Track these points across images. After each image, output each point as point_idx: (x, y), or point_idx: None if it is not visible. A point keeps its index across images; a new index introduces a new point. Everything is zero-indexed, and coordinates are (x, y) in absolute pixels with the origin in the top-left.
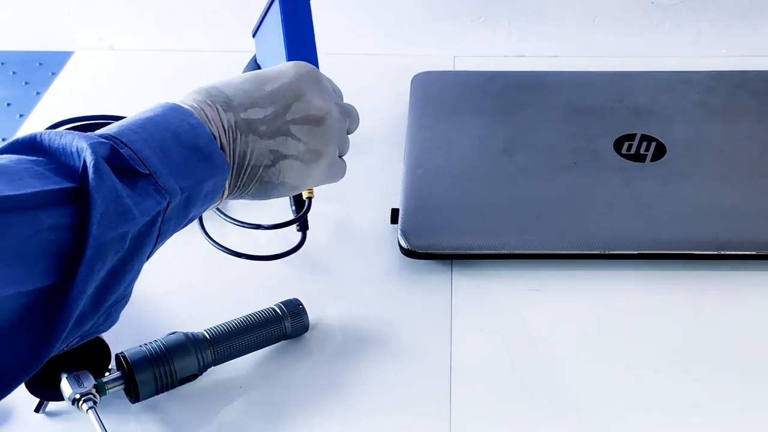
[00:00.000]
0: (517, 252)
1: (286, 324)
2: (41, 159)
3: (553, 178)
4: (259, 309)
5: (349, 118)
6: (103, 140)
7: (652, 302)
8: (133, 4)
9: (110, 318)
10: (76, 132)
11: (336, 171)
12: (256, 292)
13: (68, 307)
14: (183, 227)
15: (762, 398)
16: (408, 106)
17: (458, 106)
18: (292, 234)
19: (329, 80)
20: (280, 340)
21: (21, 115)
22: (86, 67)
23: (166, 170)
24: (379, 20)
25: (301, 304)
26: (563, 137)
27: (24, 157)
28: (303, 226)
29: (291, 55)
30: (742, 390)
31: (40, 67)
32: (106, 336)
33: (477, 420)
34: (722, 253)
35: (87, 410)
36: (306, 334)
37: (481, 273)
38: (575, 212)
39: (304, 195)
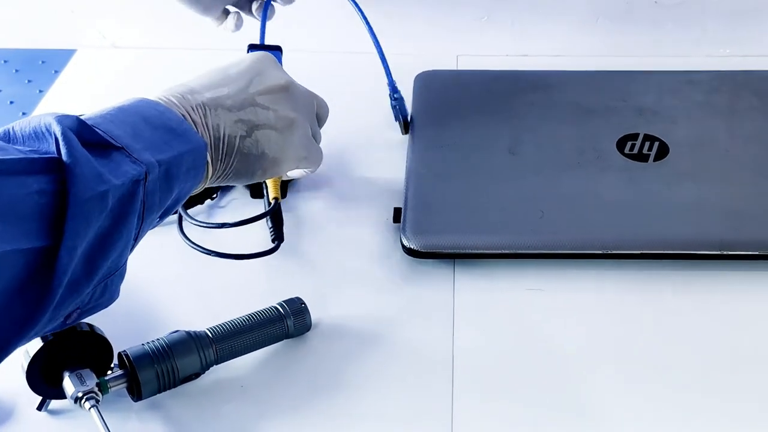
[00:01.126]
0: (520, 251)
1: (288, 323)
2: (17, 146)
3: (556, 178)
4: (262, 308)
5: (316, 100)
6: (68, 115)
7: (655, 302)
8: (136, 2)
9: (108, 291)
10: (43, 114)
11: (312, 152)
12: (258, 291)
13: (59, 267)
14: (174, 206)
15: (766, 398)
16: (411, 105)
17: (461, 106)
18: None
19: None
20: (282, 339)
21: (24, 113)
22: (89, 65)
23: (138, 146)
24: (382, 19)
25: (304, 303)
26: (566, 137)
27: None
28: (278, 238)
29: None
30: (745, 390)
31: (43, 65)
32: (109, 334)
33: (479, 418)
34: (725, 253)
35: (89, 408)
36: (308, 333)
37: (483, 272)
38: (578, 212)
39: (271, 196)
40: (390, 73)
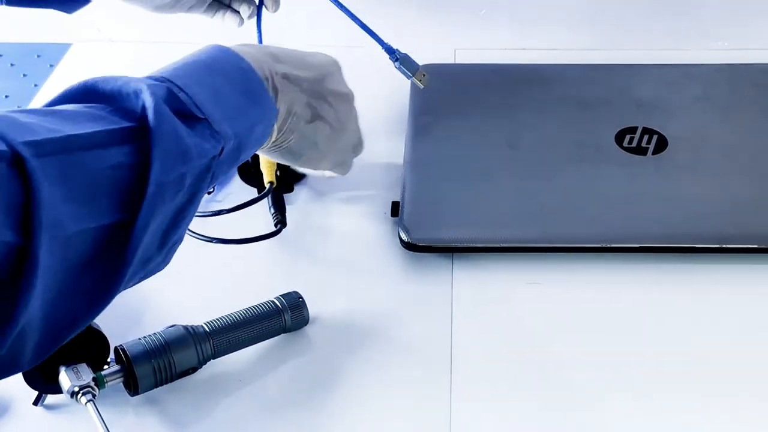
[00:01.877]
0: (518, 245)
1: (285, 317)
2: (96, 105)
3: (555, 171)
4: (259, 302)
5: (360, 134)
6: (159, 83)
7: (654, 296)
8: None
9: (166, 259)
10: (130, 76)
11: (348, 161)
12: (255, 285)
13: (132, 244)
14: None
15: (766, 392)
16: (409, 98)
17: (459, 99)
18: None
19: None
20: (279, 334)
21: (19, 107)
22: (85, 59)
23: (219, 114)
24: (379, 13)
25: (301, 297)
26: (565, 130)
27: (78, 104)
28: (281, 222)
29: None
30: (746, 384)
31: (39, 59)
32: (105, 329)
33: (477, 412)
34: (724, 246)
35: (86, 403)
36: (306, 328)
37: (481, 266)
38: (576, 205)
39: (265, 180)
40: (380, 38)
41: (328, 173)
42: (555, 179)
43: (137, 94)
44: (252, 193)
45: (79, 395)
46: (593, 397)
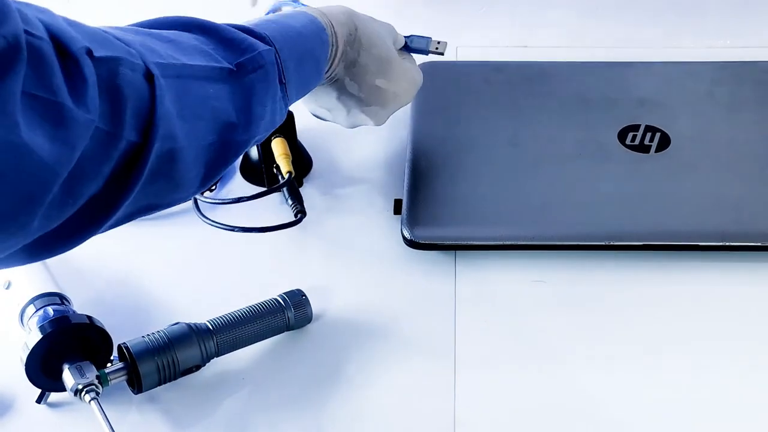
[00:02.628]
0: (521, 243)
1: (289, 315)
2: (207, 39)
3: (557, 169)
4: (262, 300)
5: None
6: (269, 47)
7: (656, 293)
8: None
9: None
10: (244, 32)
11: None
12: (258, 283)
13: (237, 149)
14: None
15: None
16: None
17: (461, 97)
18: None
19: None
20: (283, 331)
21: None
22: None
23: (294, 83)
24: (380, 10)
25: (305, 295)
26: (567, 128)
27: (191, 34)
28: (301, 212)
29: None
30: (747, 381)
31: None
32: (108, 326)
33: (481, 409)
34: (727, 244)
35: (89, 401)
36: (309, 325)
37: (484, 264)
38: (579, 203)
39: (284, 170)
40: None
41: (363, 118)
42: (558, 177)
43: (252, 47)
44: (252, 189)
45: (83, 393)
46: (597, 394)
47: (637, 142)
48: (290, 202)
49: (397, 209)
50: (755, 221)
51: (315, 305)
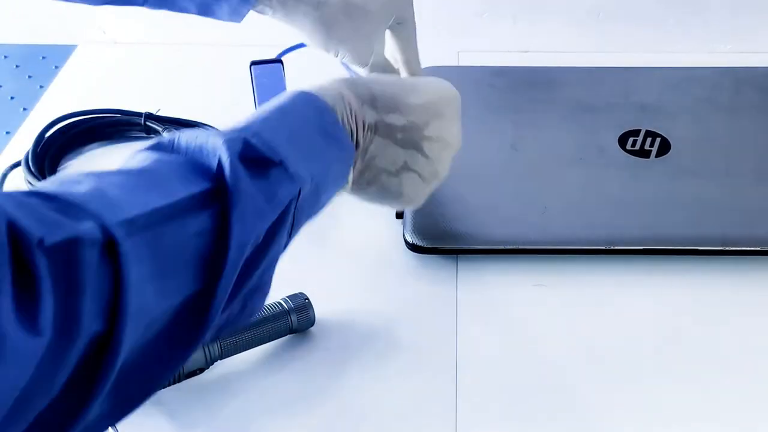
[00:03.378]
0: (523, 247)
1: (292, 318)
2: (180, 157)
3: (558, 174)
4: (266, 303)
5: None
6: (235, 135)
7: (657, 297)
8: None
9: (247, 308)
10: (210, 130)
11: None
12: None
13: (213, 311)
14: (315, 216)
15: (767, 395)
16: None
17: (463, 102)
18: None
19: None
20: (286, 334)
21: (24, 109)
22: (90, 61)
23: (295, 155)
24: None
25: (307, 299)
26: (568, 133)
27: (164, 154)
28: None
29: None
30: (748, 386)
31: (44, 61)
32: None
33: (483, 414)
34: (727, 248)
35: None
36: (312, 329)
37: (486, 268)
38: (580, 208)
39: None
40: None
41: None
42: (558, 181)
43: (214, 151)
44: None
45: None
46: (598, 399)
47: (637, 147)
48: None
49: (400, 213)
50: (755, 226)
51: (318, 309)
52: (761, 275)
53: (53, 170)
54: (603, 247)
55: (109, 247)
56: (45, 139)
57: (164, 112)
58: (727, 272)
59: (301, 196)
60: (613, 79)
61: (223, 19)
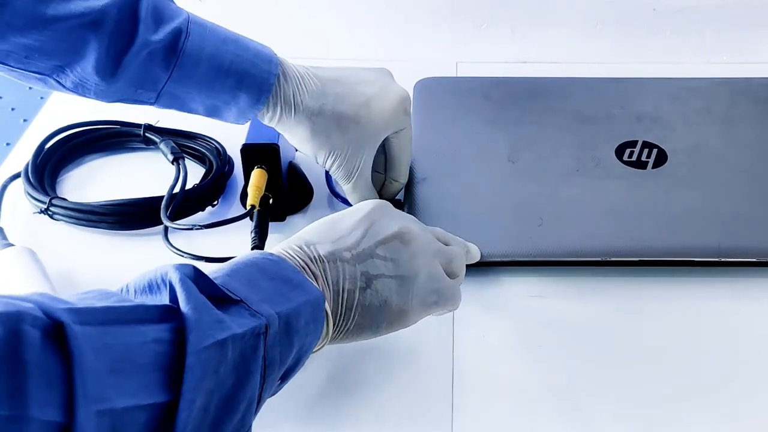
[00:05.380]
0: (519, 259)
1: None
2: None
3: (555, 185)
4: None
5: (449, 252)
6: (189, 272)
7: (654, 309)
8: None
9: None
10: (159, 266)
11: (443, 294)
12: None
13: (178, 423)
14: (295, 366)
15: (764, 406)
16: (412, 111)
17: (461, 112)
18: None
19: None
20: None
21: (25, 120)
22: None
23: (256, 297)
24: (382, 26)
25: None
26: (565, 144)
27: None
28: (257, 248)
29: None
30: (744, 398)
31: None
32: None
33: (479, 424)
34: (724, 260)
35: None
36: None
37: (483, 279)
38: (577, 219)
39: (248, 203)
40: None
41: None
42: (556, 193)
43: (163, 277)
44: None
45: None
46: (597, 410)
47: (634, 158)
48: (252, 235)
49: None
50: (752, 237)
51: None
52: (758, 286)
53: (53, 181)
54: (600, 259)
55: (57, 331)
56: (45, 150)
57: (163, 124)
58: (724, 283)
59: (269, 332)
60: (611, 90)
61: (229, 122)
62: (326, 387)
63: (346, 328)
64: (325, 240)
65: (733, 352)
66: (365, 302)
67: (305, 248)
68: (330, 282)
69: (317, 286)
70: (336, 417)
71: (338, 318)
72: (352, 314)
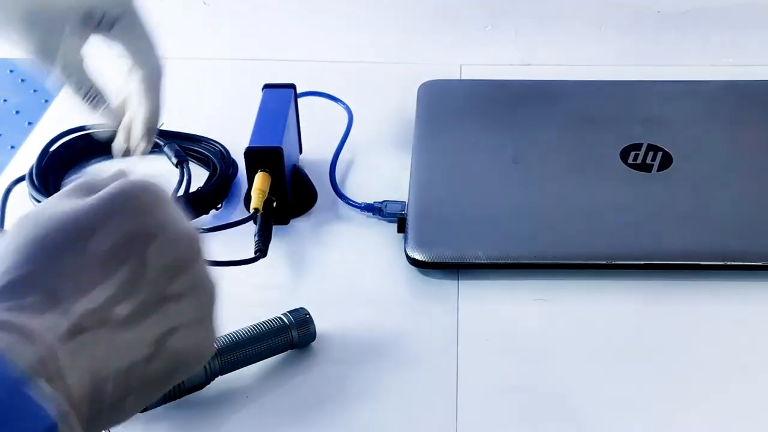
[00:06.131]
0: (524, 261)
1: (293, 333)
2: None
3: (560, 188)
4: (267, 318)
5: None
6: None
7: (658, 313)
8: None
9: None
10: None
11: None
12: (262, 301)
13: None
14: None
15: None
16: (415, 114)
17: (465, 115)
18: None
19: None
20: (287, 350)
21: (29, 123)
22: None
23: None
24: (386, 29)
25: (308, 314)
26: (569, 146)
27: None
28: (260, 251)
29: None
30: (749, 402)
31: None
32: None
33: (484, 428)
34: (728, 263)
35: None
36: (313, 344)
37: (487, 282)
38: (581, 222)
39: (252, 206)
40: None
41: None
42: (560, 196)
43: None
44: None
45: None
46: (600, 414)
47: (639, 161)
48: (255, 238)
49: (401, 228)
50: (757, 241)
51: (319, 323)
52: (763, 290)
53: (57, 185)
54: (604, 262)
55: None
56: (49, 153)
57: (168, 127)
58: (729, 287)
59: None
60: (615, 93)
61: None
62: (330, 391)
63: (115, 420)
64: (76, 282)
65: (738, 356)
66: (150, 377)
67: (46, 321)
68: (82, 377)
69: (52, 398)
70: (339, 423)
71: (98, 418)
72: (123, 405)
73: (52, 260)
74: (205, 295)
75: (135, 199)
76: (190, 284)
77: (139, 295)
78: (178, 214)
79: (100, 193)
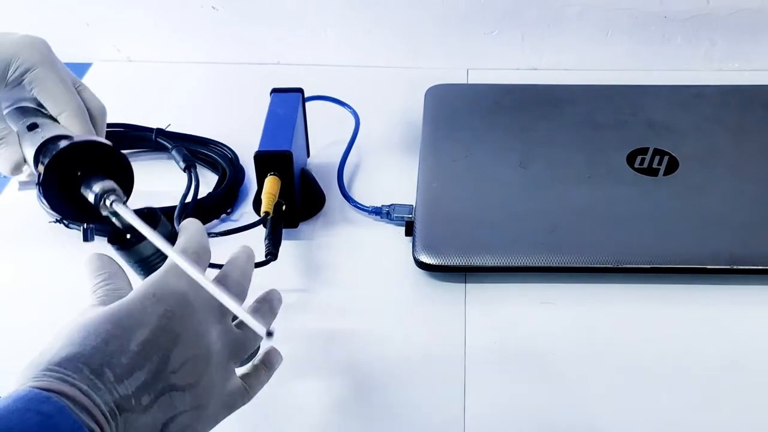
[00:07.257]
0: (531, 265)
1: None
2: None
3: (567, 192)
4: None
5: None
6: None
7: (665, 316)
8: (151, 16)
9: None
10: None
11: (230, 401)
12: None
13: None
14: None
15: None
16: (422, 118)
17: (472, 119)
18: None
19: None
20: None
21: None
22: (104, 79)
23: None
24: (393, 33)
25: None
26: (576, 151)
27: None
28: (271, 254)
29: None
30: (755, 405)
31: None
32: None
33: (491, 429)
34: (735, 267)
35: (111, 203)
36: (320, 344)
37: (495, 286)
38: (588, 226)
39: (262, 210)
40: None
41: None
42: (567, 200)
43: None
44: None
45: (106, 200)
46: (608, 416)
47: (645, 165)
48: (266, 242)
49: (409, 231)
50: (763, 245)
51: (327, 325)
52: None
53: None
54: (611, 266)
55: None
56: None
57: (176, 129)
58: (736, 291)
59: None
60: (622, 98)
61: None
62: (336, 393)
63: None
64: (117, 369)
65: (746, 359)
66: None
67: (94, 395)
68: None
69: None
70: (349, 424)
71: None
72: None
73: (108, 350)
74: (202, 385)
75: (175, 303)
76: (195, 378)
77: (157, 386)
78: (206, 324)
79: (150, 290)
